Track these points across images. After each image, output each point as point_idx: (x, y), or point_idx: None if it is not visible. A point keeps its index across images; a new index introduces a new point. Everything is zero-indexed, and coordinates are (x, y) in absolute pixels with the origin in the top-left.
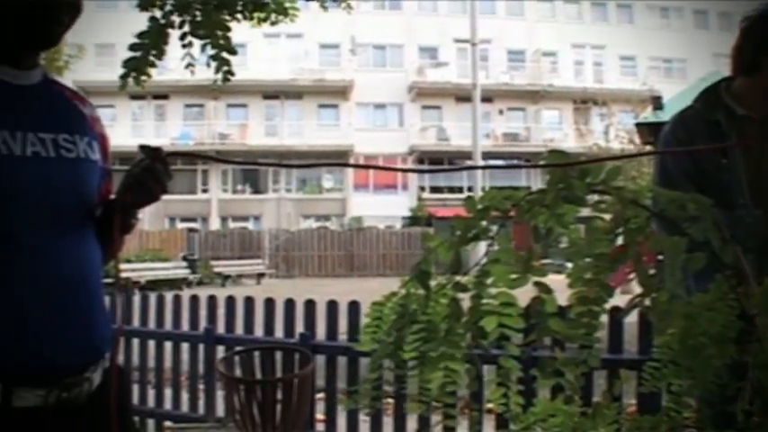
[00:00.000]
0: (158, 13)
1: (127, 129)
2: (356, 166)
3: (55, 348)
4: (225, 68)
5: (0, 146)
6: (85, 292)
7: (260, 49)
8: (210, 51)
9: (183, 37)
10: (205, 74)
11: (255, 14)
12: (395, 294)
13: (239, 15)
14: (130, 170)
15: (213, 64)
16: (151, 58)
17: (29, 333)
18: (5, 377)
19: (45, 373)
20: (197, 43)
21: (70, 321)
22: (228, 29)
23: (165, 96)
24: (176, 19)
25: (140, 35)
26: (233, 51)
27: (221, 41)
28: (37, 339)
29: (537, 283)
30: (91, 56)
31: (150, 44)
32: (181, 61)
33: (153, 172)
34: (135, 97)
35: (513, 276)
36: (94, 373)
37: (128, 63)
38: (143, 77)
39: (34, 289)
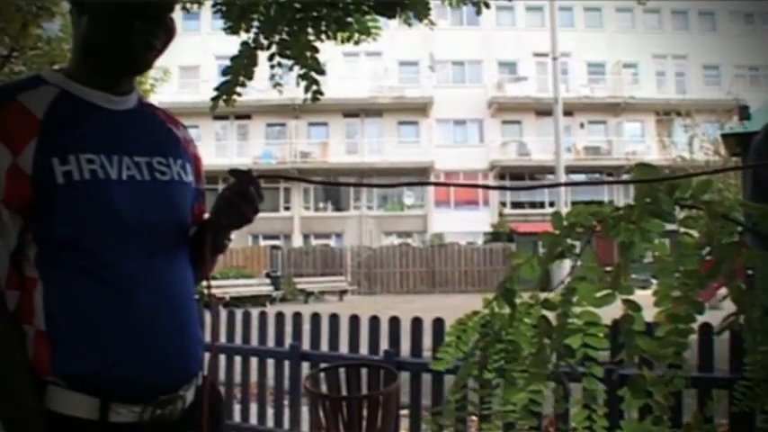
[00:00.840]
0: (245, 36)
1: (211, 149)
2: (433, 183)
3: (151, 366)
4: (314, 88)
5: (97, 170)
6: (180, 312)
7: (339, 68)
8: (299, 72)
9: (271, 58)
10: (286, 93)
11: (339, 34)
12: (476, 314)
13: (323, 35)
14: (223, 193)
15: (302, 84)
16: (241, 78)
17: (126, 351)
18: (102, 393)
19: (141, 391)
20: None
21: (165, 340)
22: (317, 50)
23: (247, 116)
24: (264, 41)
25: (233, 59)
26: (321, 71)
27: (310, 62)
28: (134, 357)
29: (626, 301)
30: (175, 77)
31: (241, 67)
32: (268, 81)
33: (245, 195)
34: (218, 117)
35: (600, 294)
36: (188, 391)
37: (221, 87)
38: (232, 98)
39: (130, 309)
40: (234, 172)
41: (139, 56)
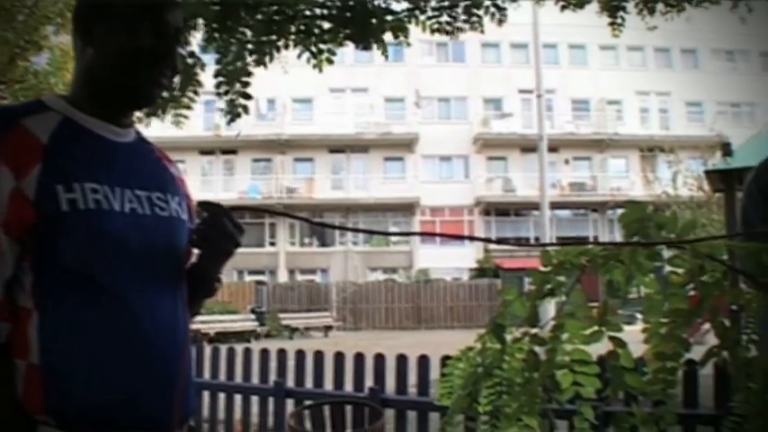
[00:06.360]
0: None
1: (197, 183)
2: (416, 234)
3: (146, 408)
4: (233, 112)
5: (101, 200)
6: (179, 352)
7: (326, 104)
8: (229, 97)
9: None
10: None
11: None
12: (470, 349)
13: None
14: (197, 228)
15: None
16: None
17: (121, 390)
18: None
19: (138, 430)
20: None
21: (163, 381)
22: (250, 74)
23: (233, 151)
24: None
25: None
26: (249, 96)
27: (240, 87)
28: (129, 397)
29: (612, 338)
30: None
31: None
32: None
33: (219, 227)
34: (204, 152)
35: (588, 331)
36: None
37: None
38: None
39: (130, 345)
40: (203, 204)
41: (146, 93)
